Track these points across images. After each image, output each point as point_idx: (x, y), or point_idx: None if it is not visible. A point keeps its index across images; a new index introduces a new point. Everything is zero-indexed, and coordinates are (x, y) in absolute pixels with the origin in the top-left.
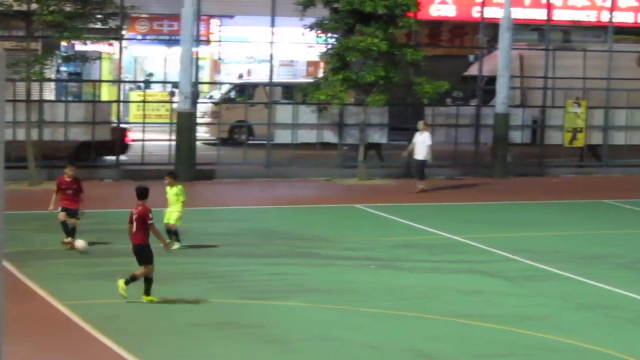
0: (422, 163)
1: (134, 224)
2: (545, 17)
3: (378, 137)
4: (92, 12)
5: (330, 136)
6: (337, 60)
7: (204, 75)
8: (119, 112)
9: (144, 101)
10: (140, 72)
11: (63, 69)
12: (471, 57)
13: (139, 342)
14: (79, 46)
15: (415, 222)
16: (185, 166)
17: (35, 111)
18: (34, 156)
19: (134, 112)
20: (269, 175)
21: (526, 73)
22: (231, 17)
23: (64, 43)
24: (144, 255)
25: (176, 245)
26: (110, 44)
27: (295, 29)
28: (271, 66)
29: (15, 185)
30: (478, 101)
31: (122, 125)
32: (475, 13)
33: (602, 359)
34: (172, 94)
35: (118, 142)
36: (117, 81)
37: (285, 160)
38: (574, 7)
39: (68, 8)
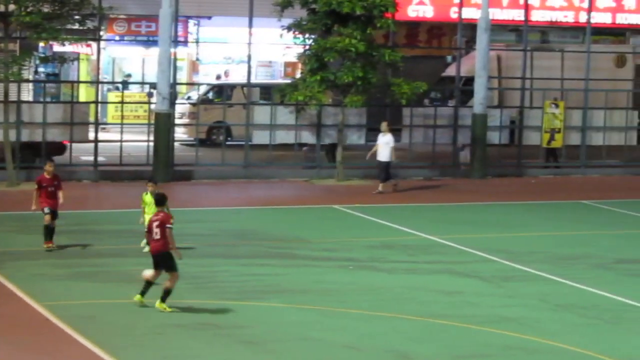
0: (386, 165)
1: (156, 231)
2: (523, 18)
3: (356, 137)
4: (69, 13)
5: (308, 137)
6: (314, 61)
7: (182, 76)
8: (96, 112)
9: (121, 102)
10: (118, 73)
11: (41, 69)
12: (449, 58)
13: (118, 342)
14: (56, 47)
15: (394, 223)
16: (163, 167)
17: (14, 112)
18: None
19: (112, 113)
20: (247, 176)
21: (504, 74)
22: (209, 18)
23: (41, 44)
24: (167, 262)
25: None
26: (88, 45)
27: (273, 29)
28: (249, 67)
29: None
30: (456, 102)
31: None
32: (453, 14)
33: None
34: (150, 94)
35: (56, 145)
36: (95, 82)
37: (264, 161)
38: (551, 8)
39: (46, 9)
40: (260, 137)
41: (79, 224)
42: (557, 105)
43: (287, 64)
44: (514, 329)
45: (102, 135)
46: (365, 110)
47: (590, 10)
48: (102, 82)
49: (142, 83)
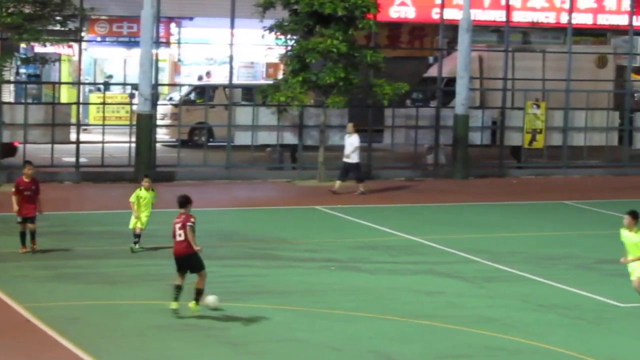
0: (357, 165)
1: (179, 233)
2: (504, 19)
3: (338, 138)
4: (51, 14)
5: (290, 138)
6: (296, 61)
7: (164, 77)
8: (78, 114)
9: (103, 103)
10: (100, 74)
11: (22, 71)
12: (431, 59)
13: (100, 344)
14: (38, 48)
15: (376, 224)
16: (145, 168)
17: None
18: None
19: (93, 114)
20: (229, 177)
21: (486, 74)
22: (191, 18)
23: (23, 45)
24: (194, 263)
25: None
26: (70, 46)
27: (255, 30)
28: (231, 68)
29: None
30: (438, 102)
31: None
32: (435, 15)
33: None
34: (131, 95)
35: (8, 146)
36: (77, 83)
37: (246, 162)
38: (533, 9)
39: (27, 10)
40: (242, 138)
41: (61, 225)
42: (538, 106)
43: (269, 65)
44: (496, 330)
45: (83, 137)
46: (347, 111)
47: (571, 11)
48: (84, 83)
49: (124, 84)
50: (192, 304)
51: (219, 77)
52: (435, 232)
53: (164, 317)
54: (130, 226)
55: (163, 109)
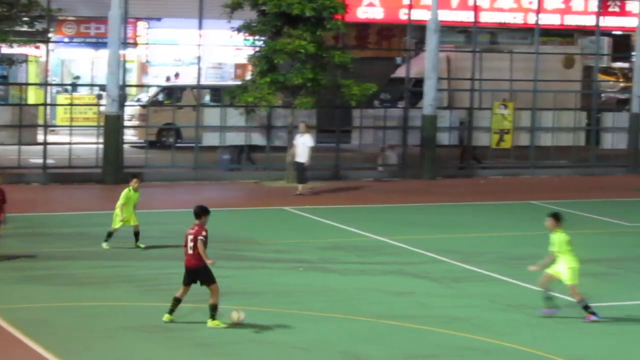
0: (302, 166)
1: (191, 245)
2: (472, 19)
3: None
4: (18, 15)
5: (258, 139)
6: (264, 62)
7: (132, 78)
8: (45, 115)
9: (71, 104)
10: (68, 75)
11: None
12: (399, 59)
13: (68, 346)
14: (5, 49)
15: (344, 224)
16: (113, 169)
17: None
18: None
19: (61, 115)
20: (197, 178)
21: (453, 75)
22: (159, 19)
23: None
24: (205, 276)
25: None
26: (37, 47)
27: (223, 31)
28: (199, 69)
29: None
30: (406, 103)
31: None
32: (403, 15)
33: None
34: (99, 96)
35: None
36: (44, 84)
37: (214, 163)
38: (500, 9)
39: None
40: (210, 139)
41: (28, 227)
42: (506, 106)
43: (237, 66)
44: (464, 330)
45: (51, 138)
46: (316, 112)
47: (538, 11)
48: (51, 84)
49: (92, 85)
50: (209, 322)
51: (187, 78)
52: (404, 232)
53: (134, 318)
54: (117, 226)
55: (131, 110)
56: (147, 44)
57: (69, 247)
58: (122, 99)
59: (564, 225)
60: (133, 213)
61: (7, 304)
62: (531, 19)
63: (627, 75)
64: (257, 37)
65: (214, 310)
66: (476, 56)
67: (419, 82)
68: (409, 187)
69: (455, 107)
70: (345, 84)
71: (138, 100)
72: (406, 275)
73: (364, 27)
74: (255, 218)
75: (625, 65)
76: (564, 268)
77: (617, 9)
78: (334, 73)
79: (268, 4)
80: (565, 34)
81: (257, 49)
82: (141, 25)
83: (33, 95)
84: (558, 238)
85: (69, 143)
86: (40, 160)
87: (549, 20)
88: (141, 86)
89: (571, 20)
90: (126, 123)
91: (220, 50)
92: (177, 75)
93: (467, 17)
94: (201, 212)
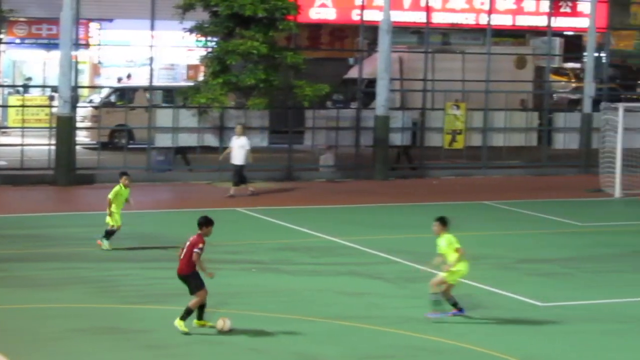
0: (240, 168)
1: (184, 252)
2: (424, 20)
3: (259, 140)
4: None
5: (211, 139)
6: (217, 63)
7: (84, 79)
8: None
9: (23, 105)
10: (19, 76)
11: None
12: (351, 60)
13: (19, 348)
14: None
15: (296, 225)
16: (65, 171)
17: None
18: None
19: (12, 117)
20: (149, 179)
21: (406, 75)
22: (111, 20)
23: None
24: (192, 283)
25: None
26: None
27: (175, 32)
28: (151, 70)
29: None
30: (358, 104)
31: None
32: (355, 16)
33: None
34: (51, 98)
35: None
36: None
37: (145, 165)
38: (452, 10)
39: None
40: (162, 140)
41: None
42: (458, 107)
43: (189, 67)
44: (418, 330)
45: (2, 139)
46: (268, 113)
47: (490, 12)
48: (3, 86)
49: (44, 86)
50: (177, 320)
51: (140, 79)
52: (356, 233)
53: (86, 320)
54: (112, 223)
55: (83, 111)
56: (99, 45)
57: (21, 249)
58: (74, 100)
59: (450, 229)
60: (118, 212)
61: None
62: (483, 20)
63: (578, 75)
64: (209, 38)
65: (186, 313)
66: (428, 57)
67: (371, 82)
68: (361, 187)
69: (407, 108)
70: (298, 84)
71: (90, 101)
72: (360, 276)
73: (317, 28)
74: None
75: (577, 65)
76: (450, 269)
77: (568, 10)
78: (286, 74)
79: (220, 5)
80: (517, 35)
81: (210, 50)
82: (93, 26)
83: None
84: (446, 240)
85: (21, 145)
86: None
87: (501, 21)
88: (93, 87)
89: (523, 21)
90: (78, 124)
91: (172, 51)
92: (129, 76)
93: (419, 17)
94: (203, 223)
